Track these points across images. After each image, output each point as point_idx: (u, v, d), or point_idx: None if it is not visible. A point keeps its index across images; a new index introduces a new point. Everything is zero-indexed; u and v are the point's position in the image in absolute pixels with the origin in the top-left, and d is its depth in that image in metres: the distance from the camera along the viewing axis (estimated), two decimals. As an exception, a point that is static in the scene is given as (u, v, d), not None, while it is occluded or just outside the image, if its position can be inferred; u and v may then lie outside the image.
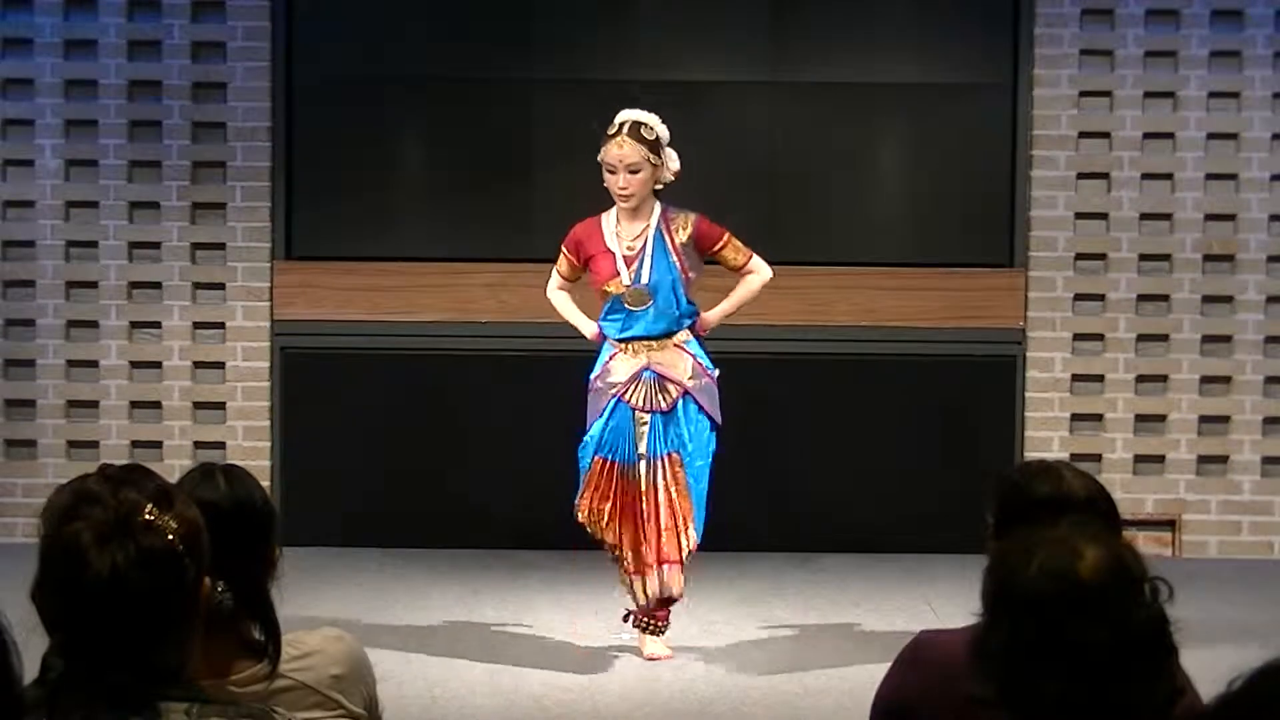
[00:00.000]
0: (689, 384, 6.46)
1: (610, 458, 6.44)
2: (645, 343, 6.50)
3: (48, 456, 8.49)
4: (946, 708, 2.87)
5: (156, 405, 8.51)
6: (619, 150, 6.44)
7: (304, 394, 8.51)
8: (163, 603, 2.20)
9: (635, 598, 6.47)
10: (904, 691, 3.06)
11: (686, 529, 6.42)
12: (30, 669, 2.15)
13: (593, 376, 6.55)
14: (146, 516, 2.21)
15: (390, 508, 8.41)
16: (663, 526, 6.39)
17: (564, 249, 6.66)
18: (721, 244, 6.60)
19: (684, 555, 6.41)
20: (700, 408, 6.47)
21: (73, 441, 8.51)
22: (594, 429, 6.47)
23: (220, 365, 8.51)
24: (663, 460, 6.42)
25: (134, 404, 8.51)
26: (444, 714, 5.75)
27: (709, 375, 6.53)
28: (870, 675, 3.72)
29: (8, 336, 8.54)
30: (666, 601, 6.48)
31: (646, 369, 6.47)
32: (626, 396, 6.45)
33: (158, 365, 8.51)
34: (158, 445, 8.47)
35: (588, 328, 6.63)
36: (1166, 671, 2.24)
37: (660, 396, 6.45)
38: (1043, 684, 2.20)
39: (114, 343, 8.50)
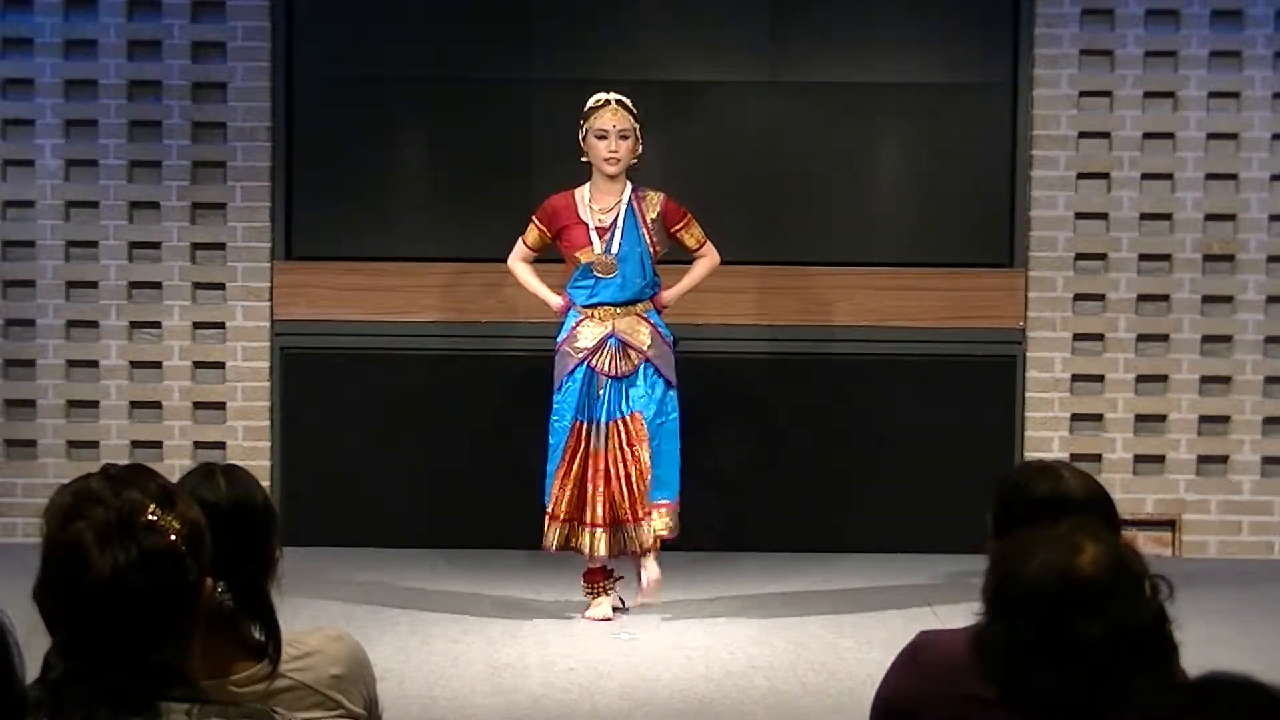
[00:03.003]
0: (649, 352, 6.93)
1: (585, 420, 6.93)
2: (611, 309, 6.95)
3: (48, 456, 8.48)
4: (946, 708, 2.87)
5: (156, 405, 8.51)
6: (613, 117, 6.94)
7: (304, 394, 8.51)
8: (164, 603, 2.20)
9: (586, 556, 6.97)
10: (904, 691, 3.06)
11: (647, 486, 6.89)
12: (32, 669, 2.15)
13: (560, 340, 7.03)
14: (149, 517, 2.21)
15: (390, 507, 8.41)
16: (632, 486, 6.87)
17: (535, 220, 7.12)
18: (682, 224, 7.10)
19: (650, 510, 6.89)
20: (657, 371, 6.93)
21: (73, 441, 8.50)
22: (568, 396, 6.94)
23: (220, 365, 8.50)
24: (624, 421, 6.89)
25: (134, 404, 8.51)
26: (444, 714, 5.74)
27: (666, 344, 7.00)
28: (870, 675, 3.72)
29: (8, 336, 8.53)
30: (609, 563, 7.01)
31: (611, 336, 6.93)
32: (594, 363, 6.92)
33: (158, 365, 8.51)
34: (158, 445, 8.47)
35: (552, 299, 7.10)
36: (1167, 669, 2.24)
37: (622, 363, 6.91)
38: (1043, 680, 2.20)
39: (114, 343, 8.49)
